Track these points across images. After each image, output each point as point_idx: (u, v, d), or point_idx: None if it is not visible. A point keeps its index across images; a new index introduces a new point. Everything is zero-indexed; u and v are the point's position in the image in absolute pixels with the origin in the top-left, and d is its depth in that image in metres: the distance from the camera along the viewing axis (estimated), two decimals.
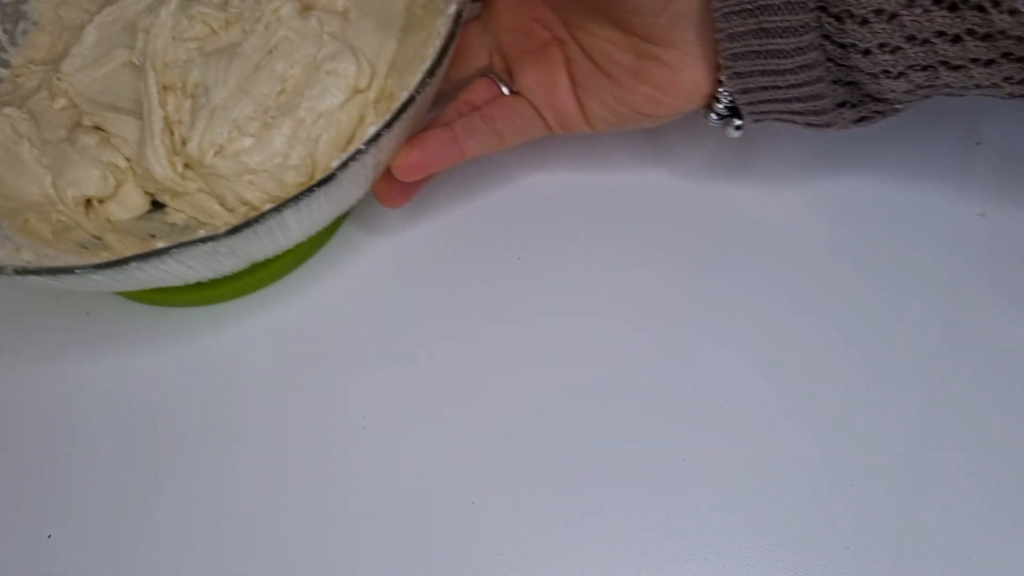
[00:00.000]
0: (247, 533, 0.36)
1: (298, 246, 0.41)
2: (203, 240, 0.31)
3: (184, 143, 0.39)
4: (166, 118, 0.40)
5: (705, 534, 0.34)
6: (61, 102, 0.41)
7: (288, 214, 0.32)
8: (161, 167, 0.39)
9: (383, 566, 0.35)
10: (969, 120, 0.45)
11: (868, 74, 0.32)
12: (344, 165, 0.32)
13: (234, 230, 0.32)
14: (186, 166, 0.40)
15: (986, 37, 0.28)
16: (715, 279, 0.41)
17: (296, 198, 0.32)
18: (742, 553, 0.34)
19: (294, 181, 0.39)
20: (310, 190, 0.32)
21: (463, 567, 0.35)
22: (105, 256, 0.34)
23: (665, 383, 0.38)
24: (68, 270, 0.31)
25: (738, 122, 0.37)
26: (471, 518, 0.36)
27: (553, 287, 0.41)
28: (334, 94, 0.39)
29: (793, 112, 0.35)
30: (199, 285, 0.41)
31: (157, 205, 0.42)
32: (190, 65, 0.39)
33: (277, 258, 0.41)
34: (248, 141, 0.39)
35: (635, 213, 0.43)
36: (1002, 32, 0.28)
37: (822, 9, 0.31)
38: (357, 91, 0.40)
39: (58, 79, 0.41)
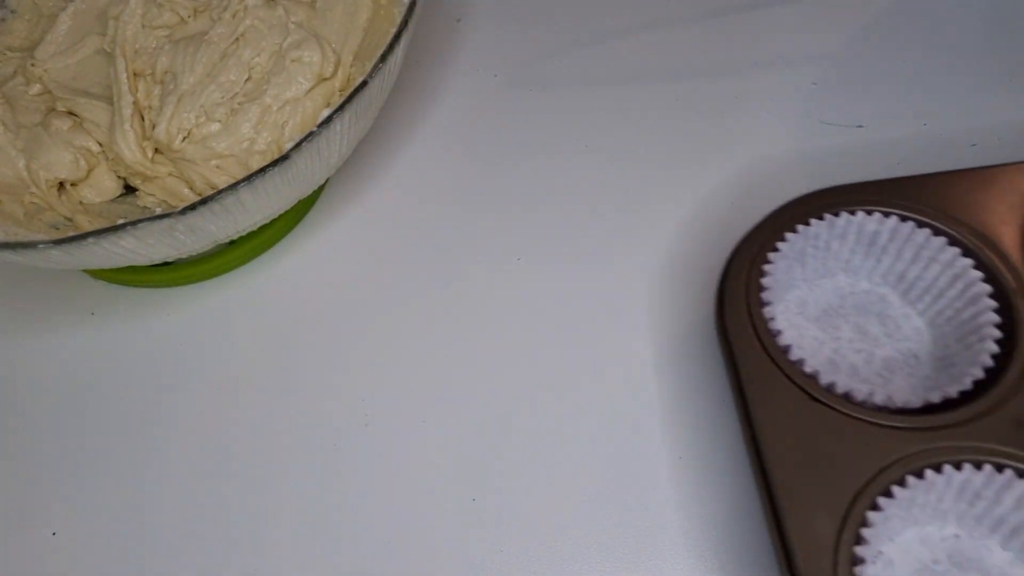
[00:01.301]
0: (247, 526, 0.37)
1: (267, 228, 0.43)
2: (160, 217, 0.32)
3: (153, 127, 0.40)
4: (136, 104, 0.41)
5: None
6: (36, 88, 0.43)
7: (244, 193, 0.34)
8: (131, 151, 0.40)
9: (384, 561, 0.35)
10: None
11: None
12: (298, 146, 0.34)
13: (190, 208, 0.33)
14: (156, 151, 0.41)
15: None
16: None
17: (250, 177, 0.33)
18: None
19: (260, 166, 0.40)
20: (263, 170, 0.33)
21: (464, 563, 0.35)
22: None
23: (664, 385, 0.38)
24: (29, 245, 0.32)
25: None
26: (472, 515, 0.36)
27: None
28: (299, 82, 0.40)
29: None
30: (172, 266, 0.42)
31: (130, 189, 0.43)
32: (159, 52, 0.41)
33: (247, 239, 0.42)
34: (215, 126, 0.40)
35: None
36: None
37: None
38: (322, 79, 0.41)
39: (32, 65, 0.42)
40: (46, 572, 0.37)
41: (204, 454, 0.39)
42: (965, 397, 0.31)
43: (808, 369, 0.32)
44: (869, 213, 0.35)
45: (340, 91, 0.42)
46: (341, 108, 0.34)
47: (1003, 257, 0.34)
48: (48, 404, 0.41)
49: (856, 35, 0.49)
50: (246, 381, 0.41)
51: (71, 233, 0.32)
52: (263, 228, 0.41)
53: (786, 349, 0.32)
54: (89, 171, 0.42)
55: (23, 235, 0.38)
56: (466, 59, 0.51)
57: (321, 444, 0.38)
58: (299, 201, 0.39)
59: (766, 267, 0.34)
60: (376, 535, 0.36)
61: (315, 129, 0.34)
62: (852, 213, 0.35)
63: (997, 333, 0.32)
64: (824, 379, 0.32)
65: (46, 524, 0.38)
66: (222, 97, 0.40)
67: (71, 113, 0.42)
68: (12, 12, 0.45)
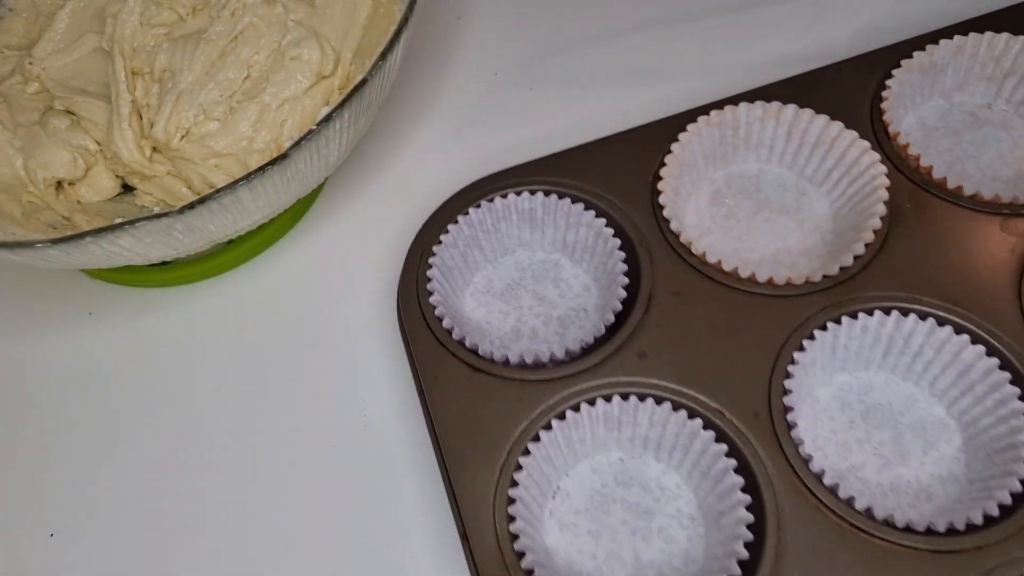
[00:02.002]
0: (247, 525, 0.37)
1: (266, 227, 0.42)
2: (158, 217, 0.32)
3: (152, 126, 0.40)
4: (134, 102, 0.40)
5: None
6: (34, 86, 0.42)
7: (242, 192, 0.33)
8: (128, 150, 0.40)
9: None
10: None
11: None
12: (297, 145, 0.33)
13: (188, 207, 0.32)
14: (155, 150, 0.41)
15: None
16: None
17: (248, 176, 0.33)
18: None
19: (259, 165, 0.40)
20: (262, 169, 0.33)
21: None
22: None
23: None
24: (26, 244, 0.32)
25: None
26: None
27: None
28: (299, 80, 0.40)
29: None
30: (170, 266, 0.42)
31: (128, 188, 0.43)
32: (157, 50, 0.40)
33: (246, 238, 0.42)
34: (214, 125, 0.40)
35: None
36: None
37: None
38: (322, 77, 0.41)
39: (30, 64, 0.42)
40: (44, 573, 0.37)
41: (203, 454, 0.39)
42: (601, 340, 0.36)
43: (469, 344, 0.36)
44: (519, 193, 0.39)
45: (340, 89, 0.42)
46: (340, 106, 0.34)
47: (629, 211, 0.39)
48: (46, 404, 0.41)
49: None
50: (245, 381, 0.41)
51: (69, 232, 0.32)
52: (262, 227, 0.41)
53: (450, 330, 0.36)
54: (87, 170, 0.42)
55: (21, 234, 0.38)
56: (466, 57, 0.51)
57: (320, 444, 0.38)
58: (298, 200, 0.39)
59: (432, 259, 0.38)
60: (373, 534, 0.36)
61: (314, 127, 0.33)
62: (505, 196, 0.39)
63: (625, 280, 0.36)
64: (506, 346, 0.38)
65: (44, 525, 0.38)
66: (221, 95, 0.40)
67: (69, 112, 0.42)
68: (10, 10, 0.45)
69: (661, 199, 0.38)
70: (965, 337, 0.34)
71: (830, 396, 0.36)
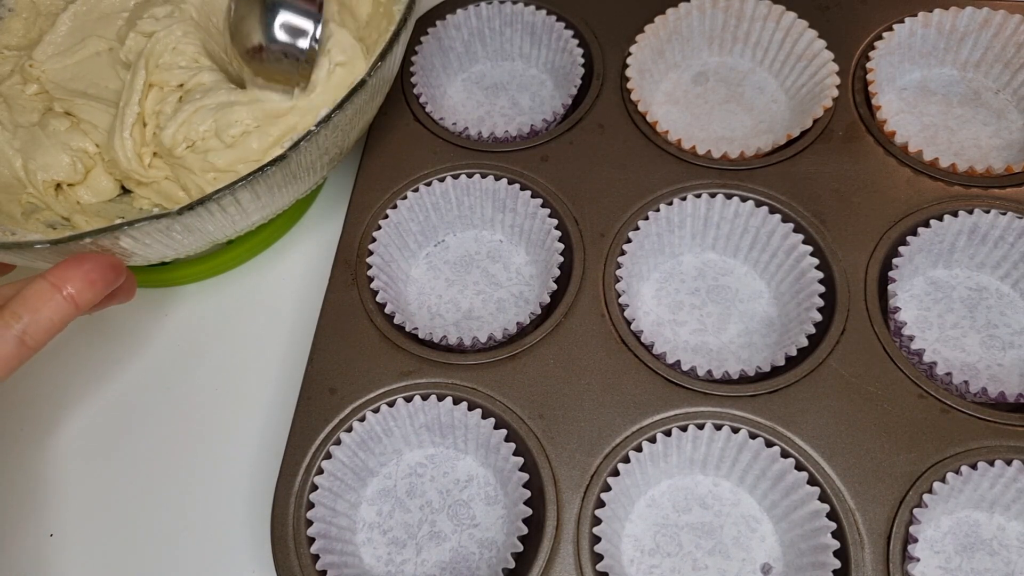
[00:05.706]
0: (248, 526, 0.37)
1: (265, 228, 0.42)
2: (157, 217, 0.32)
3: (160, 130, 0.40)
4: (141, 114, 0.40)
5: None
6: (33, 88, 0.42)
7: (241, 193, 0.33)
8: (126, 159, 0.40)
9: None
10: None
11: None
12: (295, 146, 0.33)
13: (187, 208, 0.32)
14: (154, 154, 0.41)
15: None
16: None
17: (248, 177, 0.32)
18: None
19: None
20: (262, 169, 0.33)
21: None
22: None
23: None
24: (25, 245, 0.32)
25: None
26: None
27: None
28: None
29: None
30: (169, 266, 0.42)
31: (128, 189, 0.43)
32: (189, 71, 0.40)
33: (245, 239, 0.42)
34: (219, 144, 0.39)
35: None
36: None
37: None
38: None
39: (30, 65, 0.42)
40: (44, 573, 0.37)
41: (202, 454, 0.39)
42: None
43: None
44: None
45: None
46: (340, 106, 0.34)
47: (604, 43, 0.45)
48: (45, 404, 0.41)
49: None
50: (245, 380, 0.41)
51: (68, 233, 0.32)
52: (261, 228, 0.41)
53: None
54: (86, 173, 0.41)
55: (20, 234, 0.37)
56: None
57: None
58: (297, 201, 0.39)
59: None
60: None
61: (313, 128, 0.33)
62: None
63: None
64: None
65: (44, 525, 0.38)
66: (247, 118, 0.39)
67: (68, 114, 0.42)
68: (10, 10, 0.45)
69: (632, 47, 0.43)
70: (809, 248, 0.38)
71: (692, 265, 0.41)
